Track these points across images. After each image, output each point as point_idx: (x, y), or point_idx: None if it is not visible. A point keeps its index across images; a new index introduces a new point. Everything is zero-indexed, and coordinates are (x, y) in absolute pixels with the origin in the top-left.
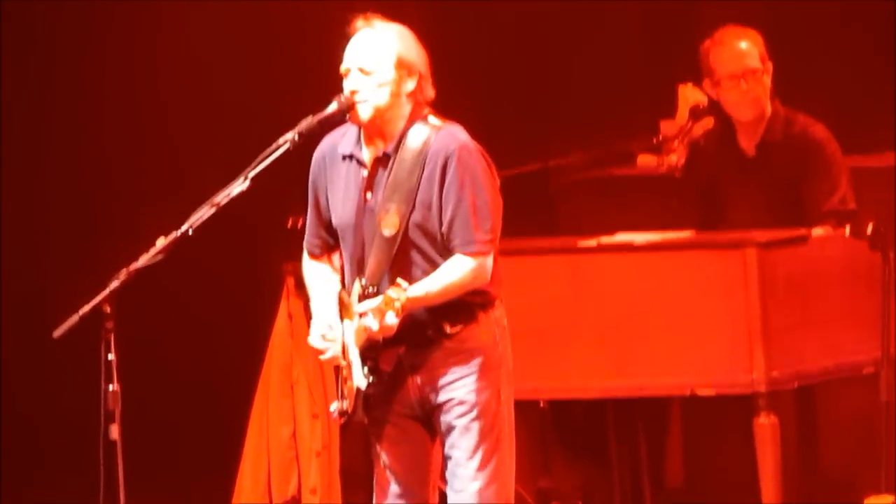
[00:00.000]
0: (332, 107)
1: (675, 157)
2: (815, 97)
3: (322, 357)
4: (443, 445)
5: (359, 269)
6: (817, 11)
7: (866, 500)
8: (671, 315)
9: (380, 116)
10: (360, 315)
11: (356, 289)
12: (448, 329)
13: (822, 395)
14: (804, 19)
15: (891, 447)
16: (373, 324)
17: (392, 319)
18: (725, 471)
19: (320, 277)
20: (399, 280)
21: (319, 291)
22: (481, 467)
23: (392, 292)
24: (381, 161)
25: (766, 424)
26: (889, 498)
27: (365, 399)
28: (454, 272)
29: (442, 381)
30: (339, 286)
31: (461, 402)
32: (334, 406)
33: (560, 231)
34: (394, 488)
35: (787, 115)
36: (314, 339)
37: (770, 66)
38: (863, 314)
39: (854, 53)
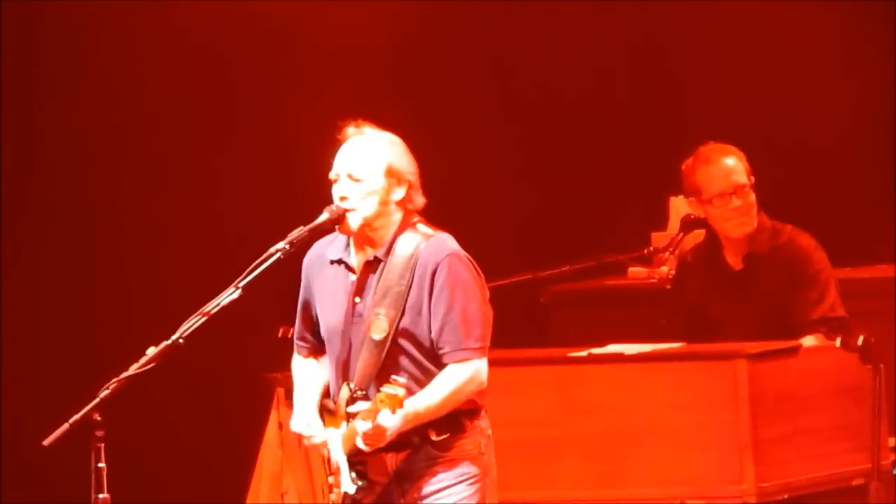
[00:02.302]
0: (323, 217)
1: (667, 269)
2: (814, 210)
3: (306, 442)
4: None
5: (345, 374)
6: (815, 122)
7: None
8: (661, 426)
9: (368, 225)
10: (351, 417)
11: (344, 393)
12: (434, 437)
13: None
14: (801, 130)
15: None
16: (364, 426)
17: (385, 419)
18: None
19: (307, 370)
20: (394, 377)
21: (304, 382)
22: None
23: (388, 388)
24: (371, 266)
25: None
26: None
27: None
28: (450, 381)
29: (427, 489)
30: (323, 382)
31: None
32: None
33: (550, 342)
34: None
35: (774, 227)
36: (297, 426)
37: (753, 180)
38: (853, 426)
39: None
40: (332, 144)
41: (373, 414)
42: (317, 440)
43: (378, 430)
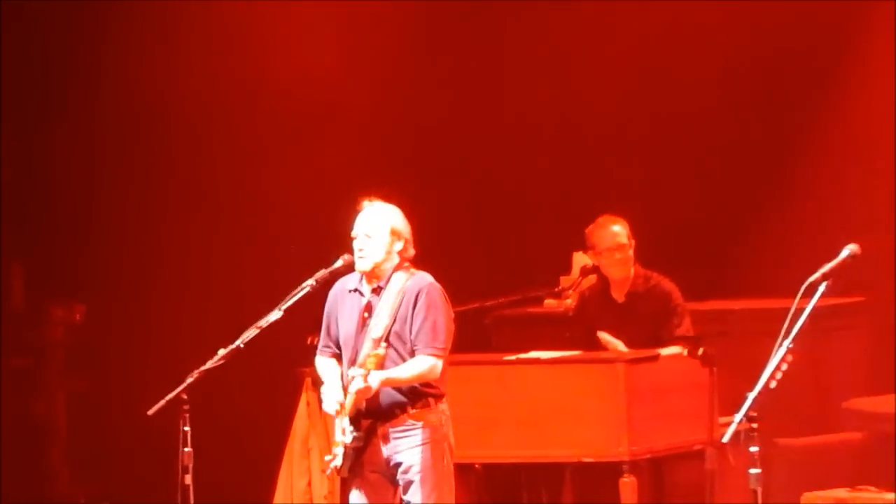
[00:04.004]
0: (339, 263)
1: (570, 301)
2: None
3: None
4: (403, 493)
5: (354, 361)
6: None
7: None
8: (566, 407)
9: (377, 266)
10: (352, 378)
11: (349, 375)
12: (409, 410)
13: (667, 463)
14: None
15: (714, 500)
16: (359, 381)
17: (371, 379)
18: None
19: (329, 367)
20: (377, 348)
21: (329, 376)
22: None
23: (373, 350)
24: (375, 293)
25: (627, 483)
26: None
27: (352, 457)
28: (416, 365)
29: (403, 447)
30: (339, 374)
31: (419, 463)
32: (328, 458)
33: (492, 349)
34: None
35: (646, 273)
36: (328, 407)
37: (633, 241)
38: (695, 409)
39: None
40: (347, 200)
41: (365, 376)
42: (339, 421)
43: (367, 388)
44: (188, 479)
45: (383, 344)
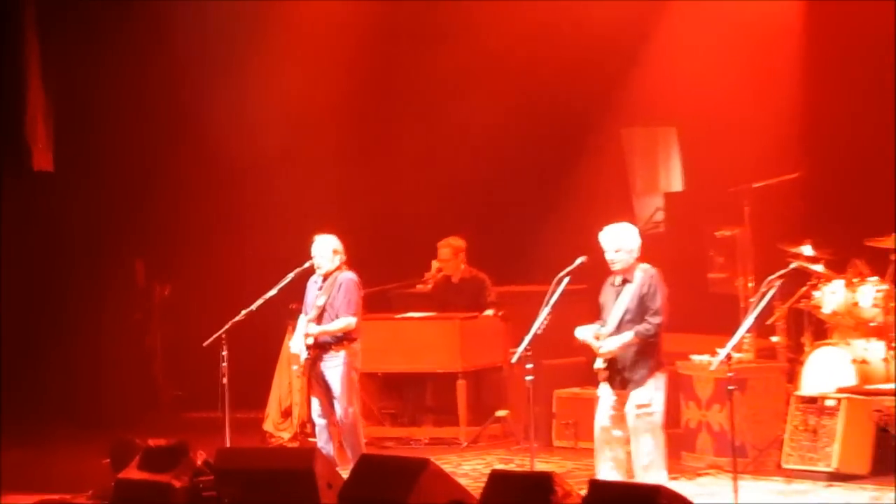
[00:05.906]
0: (307, 265)
1: (430, 286)
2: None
3: (293, 352)
4: (332, 392)
5: (315, 319)
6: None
7: (496, 412)
8: (427, 342)
9: (327, 269)
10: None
11: (310, 326)
12: (333, 347)
13: (482, 373)
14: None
15: (508, 394)
16: (308, 331)
17: (311, 329)
18: (448, 403)
19: (302, 324)
20: (311, 323)
21: (299, 328)
22: (345, 401)
23: (310, 320)
24: (325, 280)
25: (461, 384)
26: (505, 411)
27: (309, 366)
28: (339, 322)
29: (330, 364)
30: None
31: (338, 375)
32: (295, 367)
33: (390, 311)
34: (316, 405)
35: (470, 268)
36: (291, 345)
37: (464, 250)
38: (498, 343)
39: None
40: (308, 232)
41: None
42: (296, 352)
43: (309, 333)
44: (225, 380)
45: (315, 322)
